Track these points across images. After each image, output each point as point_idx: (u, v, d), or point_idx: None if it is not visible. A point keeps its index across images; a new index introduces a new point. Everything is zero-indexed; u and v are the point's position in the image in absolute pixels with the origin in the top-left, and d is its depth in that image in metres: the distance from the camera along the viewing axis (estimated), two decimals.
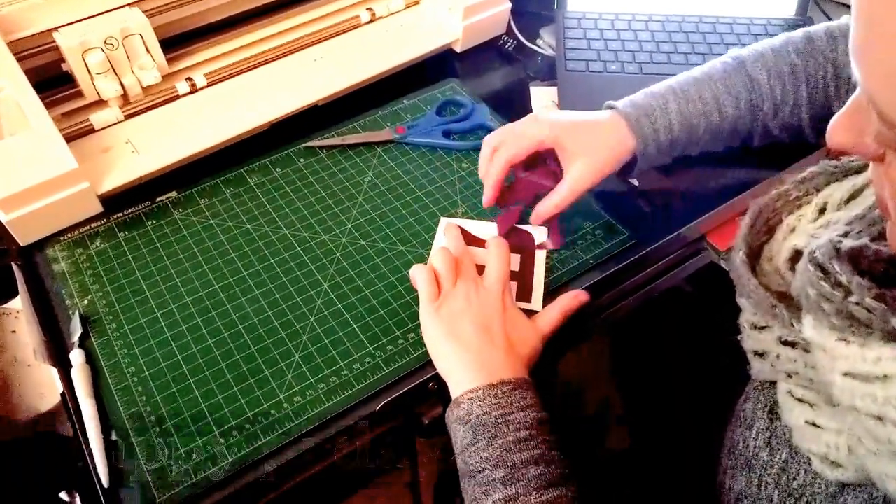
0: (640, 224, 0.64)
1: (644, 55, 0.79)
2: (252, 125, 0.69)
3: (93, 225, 0.63)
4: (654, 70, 0.77)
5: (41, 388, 0.58)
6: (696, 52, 0.79)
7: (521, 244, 0.62)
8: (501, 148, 0.59)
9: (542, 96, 0.78)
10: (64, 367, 0.54)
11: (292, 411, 0.52)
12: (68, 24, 0.66)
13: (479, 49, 0.84)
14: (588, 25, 0.82)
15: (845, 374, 0.34)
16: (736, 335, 0.47)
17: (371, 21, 0.82)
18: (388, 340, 0.56)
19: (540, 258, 0.61)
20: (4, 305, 0.61)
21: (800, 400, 0.40)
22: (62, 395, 0.53)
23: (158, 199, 0.66)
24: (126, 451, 0.50)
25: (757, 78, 0.61)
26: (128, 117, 0.69)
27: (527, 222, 0.62)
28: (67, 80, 0.68)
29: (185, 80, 0.72)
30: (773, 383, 0.44)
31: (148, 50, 0.68)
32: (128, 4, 0.68)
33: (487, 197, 0.61)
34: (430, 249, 0.62)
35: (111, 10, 0.67)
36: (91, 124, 0.67)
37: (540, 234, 0.63)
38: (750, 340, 0.45)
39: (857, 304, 0.33)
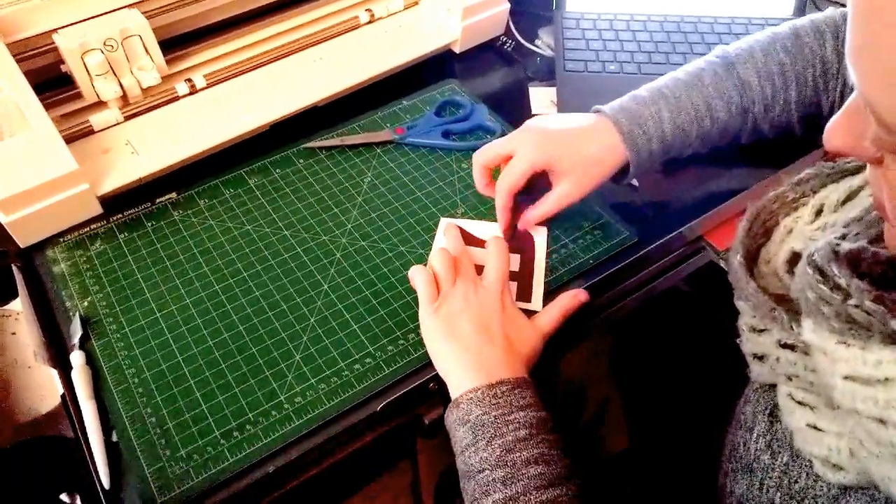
0: (640, 224, 0.65)
1: (642, 55, 0.79)
2: (252, 126, 0.69)
3: (93, 226, 0.63)
4: (652, 70, 0.77)
5: (41, 389, 0.58)
6: (694, 53, 0.79)
7: (520, 245, 0.62)
8: (501, 180, 0.59)
9: (540, 97, 0.78)
10: (64, 369, 0.54)
11: (293, 412, 0.52)
12: (68, 26, 0.65)
13: (478, 50, 0.84)
14: (586, 26, 0.82)
15: (846, 378, 0.34)
16: (735, 336, 0.47)
17: (370, 22, 0.82)
18: (388, 341, 0.56)
19: (540, 258, 0.62)
20: (4, 307, 0.61)
21: (800, 403, 0.41)
22: (62, 396, 0.53)
23: (158, 201, 0.66)
24: (127, 452, 0.50)
25: (748, 80, 0.60)
26: (127, 118, 0.69)
27: None
28: (67, 81, 0.68)
29: (185, 81, 0.72)
30: (773, 386, 0.44)
31: (147, 51, 0.68)
32: (127, 6, 0.68)
33: (503, 228, 0.62)
34: (430, 250, 0.63)
35: (110, 12, 0.67)
36: (91, 125, 0.67)
37: (540, 236, 0.63)
38: (749, 343, 0.45)
39: (857, 306, 0.33)
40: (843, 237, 0.38)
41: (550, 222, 0.64)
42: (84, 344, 0.55)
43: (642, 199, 0.68)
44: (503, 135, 0.70)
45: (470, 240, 0.62)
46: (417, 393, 0.54)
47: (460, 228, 0.62)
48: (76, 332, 0.55)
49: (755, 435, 0.46)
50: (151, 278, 0.60)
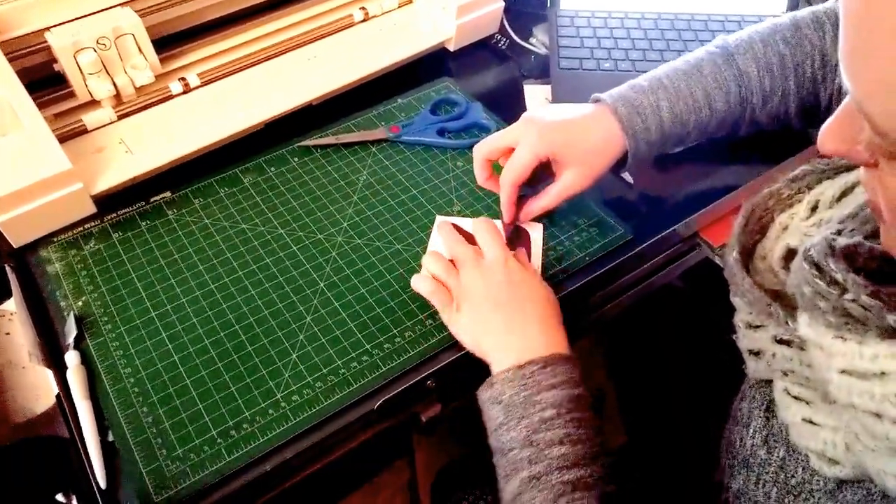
0: (635, 221, 0.65)
1: (637, 53, 0.79)
2: (246, 125, 0.69)
3: (87, 226, 0.63)
4: (646, 68, 0.76)
5: (36, 390, 0.57)
6: (689, 50, 0.78)
7: (516, 242, 0.62)
8: (505, 173, 0.59)
9: (535, 94, 0.78)
10: (59, 369, 0.53)
11: (290, 410, 0.52)
12: (60, 24, 0.65)
13: (473, 48, 0.84)
14: (581, 23, 0.82)
15: (842, 372, 0.34)
16: (731, 333, 0.47)
17: (364, 20, 0.81)
18: (385, 339, 0.56)
19: (536, 255, 0.62)
20: None
21: (796, 398, 0.41)
22: (58, 396, 0.53)
23: (153, 200, 0.66)
24: (123, 452, 0.49)
25: (747, 71, 0.60)
26: (121, 117, 0.69)
27: None
28: (60, 80, 0.67)
29: (179, 79, 0.71)
30: (769, 382, 0.45)
31: (140, 50, 0.68)
32: (120, 4, 0.67)
33: (507, 222, 0.62)
34: (426, 248, 0.62)
35: (103, 10, 0.67)
36: (84, 125, 0.67)
37: (536, 233, 0.63)
38: (745, 340, 0.45)
39: (853, 301, 0.34)
40: (839, 233, 0.38)
41: (546, 220, 0.64)
42: (79, 344, 0.55)
43: (638, 196, 0.68)
44: None
45: (465, 237, 0.62)
46: (414, 391, 0.54)
47: (455, 225, 0.62)
48: (71, 331, 0.55)
49: (751, 430, 0.46)
50: (146, 277, 0.60)
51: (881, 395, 0.32)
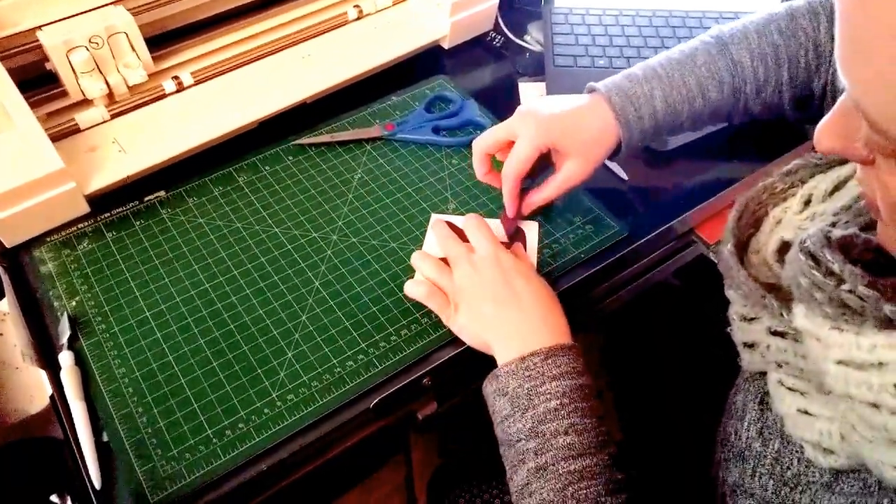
0: (631, 218, 0.65)
1: (632, 50, 0.79)
2: (240, 123, 0.69)
3: (80, 225, 0.63)
4: None
5: (30, 390, 0.57)
6: None
7: (512, 240, 0.62)
8: (507, 166, 0.59)
9: (530, 92, 0.78)
10: (53, 370, 0.53)
11: (285, 409, 0.51)
12: (52, 23, 0.65)
13: (467, 45, 0.84)
14: (575, 21, 0.82)
15: (839, 363, 0.34)
16: (726, 327, 0.47)
17: (359, 18, 0.81)
18: (380, 337, 0.56)
19: (531, 252, 0.62)
20: None
21: (790, 389, 0.41)
22: (51, 397, 0.53)
23: (146, 199, 0.65)
24: (118, 452, 0.49)
25: (740, 61, 0.60)
26: (114, 116, 0.68)
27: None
28: (52, 79, 0.67)
29: (172, 78, 0.71)
30: (764, 374, 0.45)
31: (133, 48, 0.68)
32: (112, 2, 0.67)
33: (511, 216, 0.62)
34: (421, 246, 0.62)
35: (95, 9, 0.66)
36: (76, 124, 0.67)
37: (531, 230, 0.63)
38: (739, 332, 0.46)
39: (850, 291, 0.34)
40: (833, 225, 0.38)
41: (542, 217, 0.64)
42: (73, 344, 0.55)
43: (633, 193, 0.68)
44: None
45: (459, 235, 0.62)
46: (410, 389, 0.54)
47: (449, 223, 0.62)
48: (64, 332, 0.55)
49: (746, 423, 0.46)
50: (140, 277, 0.59)
51: (879, 385, 0.32)
